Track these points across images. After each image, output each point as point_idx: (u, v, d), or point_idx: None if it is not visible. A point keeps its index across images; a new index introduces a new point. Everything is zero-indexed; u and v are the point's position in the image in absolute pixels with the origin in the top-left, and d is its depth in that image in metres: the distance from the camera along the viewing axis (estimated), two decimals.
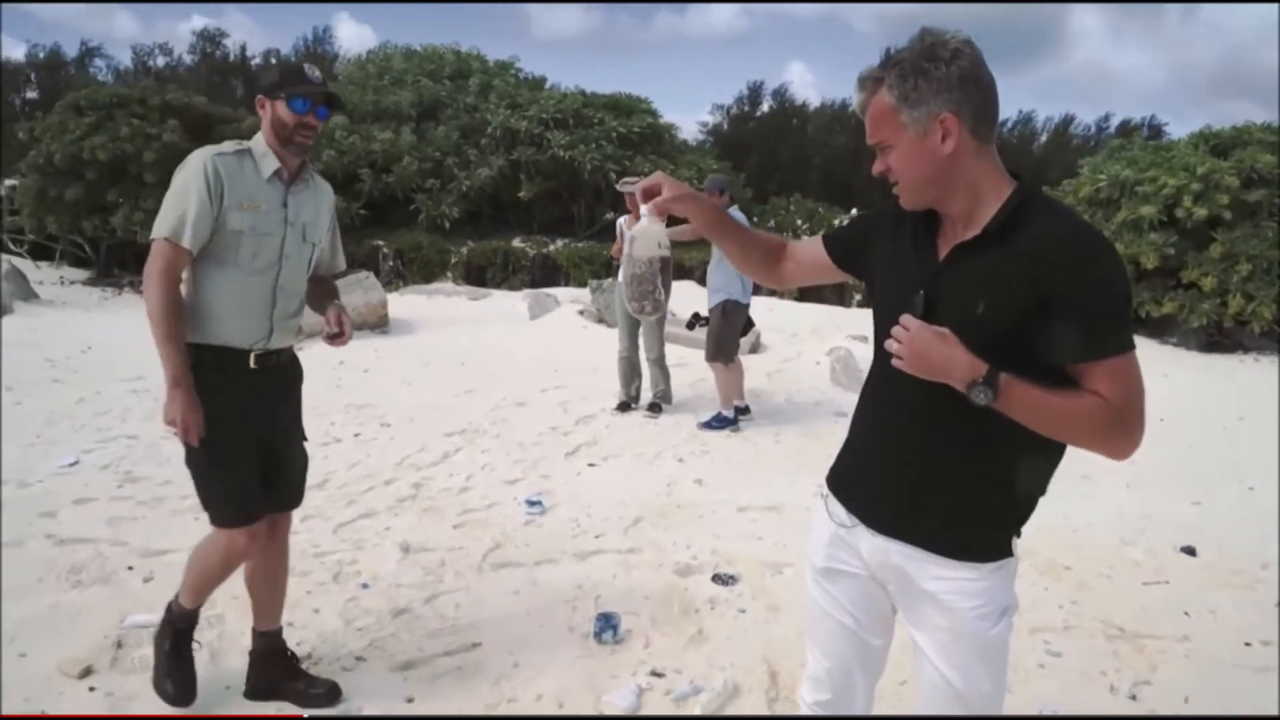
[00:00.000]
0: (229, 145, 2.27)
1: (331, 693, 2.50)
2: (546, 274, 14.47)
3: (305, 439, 2.59)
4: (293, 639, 2.70)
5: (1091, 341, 1.27)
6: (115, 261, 12.85)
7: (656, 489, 4.58)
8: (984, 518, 1.42)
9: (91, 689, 2.50)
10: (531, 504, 4.22)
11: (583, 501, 4.31)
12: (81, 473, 4.50)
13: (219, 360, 2.26)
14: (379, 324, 9.53)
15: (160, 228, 2.15)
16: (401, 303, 11.58)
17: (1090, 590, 3.48)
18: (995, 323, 1.30)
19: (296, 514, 3.86)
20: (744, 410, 6.06)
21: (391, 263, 14.37)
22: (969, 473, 1.39)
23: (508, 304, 11.29)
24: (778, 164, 26.24)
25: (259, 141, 2.28)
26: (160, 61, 26.09)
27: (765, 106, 31.84)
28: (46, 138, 11.35)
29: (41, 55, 23.89)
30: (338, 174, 14.63)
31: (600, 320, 10.11)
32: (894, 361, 1.35)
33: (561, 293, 12.31)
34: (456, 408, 6.33)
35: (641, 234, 1.73)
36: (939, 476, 1.41)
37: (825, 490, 1.63)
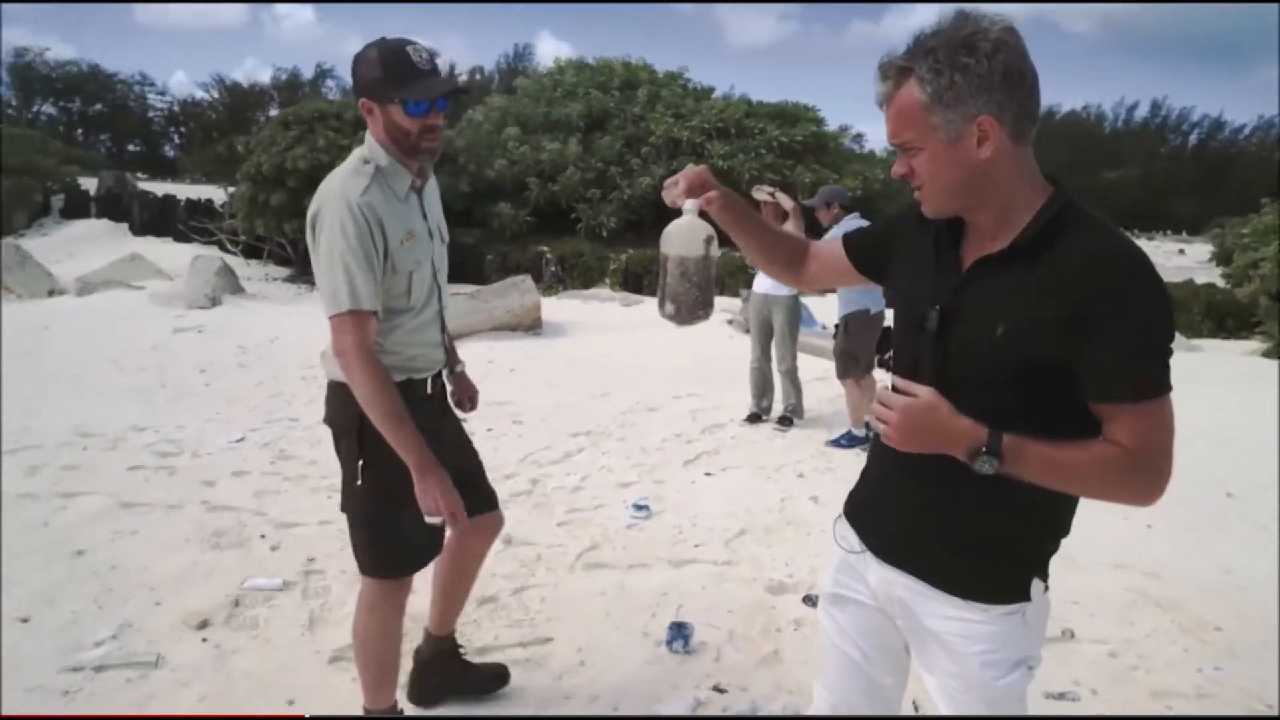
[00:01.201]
0: (359, 171, 1.90)
1: (499, 677, 2.54)
2: None
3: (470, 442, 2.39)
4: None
5: (1119, 381, 1.14)
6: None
7: (769, 503, 4.48)
8: (996, 554, 1.30)
9: (204, 640, 2.77)
10: (638, 508, 4.24)
11: (690, 510, 4.29)
12: (244, 448, 4.98)
13: (406, 395, 1.98)
14: (532, 326, 9.92)
15: (337, 301, 1.82)
16: (557, 306, 12.01)
17: (1241, 659, 3.05)
18: (1015, 349, 1.18)
19: None
20: None
21: (553, 268, 14.93)
22: (981, 503, 1.27)
23: (657, 312, 11.43)
24: None
25: (379, 152, 1.91)
26: None
27: None
28: (258, 150, 12.73)
29: (283, 78, 26.65)
30: (508, 183, 15.40)
31: (747, 330, 10.02)
32: (884, 439, 1.24)
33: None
34: (588, 409, 6.47)
35: (684, 230, 1.43)
36: (948, 506, 1.29)
37: (840, 515, 1.53)
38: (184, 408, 5.94)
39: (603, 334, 10.23)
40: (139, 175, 27.95)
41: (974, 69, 1.12)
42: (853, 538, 1.47)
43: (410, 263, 1.94)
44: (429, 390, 2.11)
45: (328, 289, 1.84)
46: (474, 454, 2.35)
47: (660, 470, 4.98)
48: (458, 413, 2.37)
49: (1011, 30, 1.15)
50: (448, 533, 2.26)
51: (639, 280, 14.59)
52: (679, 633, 2.85)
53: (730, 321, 10.68)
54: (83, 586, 3.11)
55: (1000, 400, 1.20)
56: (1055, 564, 1.37)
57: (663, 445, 5.54)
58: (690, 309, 1.41)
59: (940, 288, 1.28)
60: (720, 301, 12.20)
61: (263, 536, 3.66)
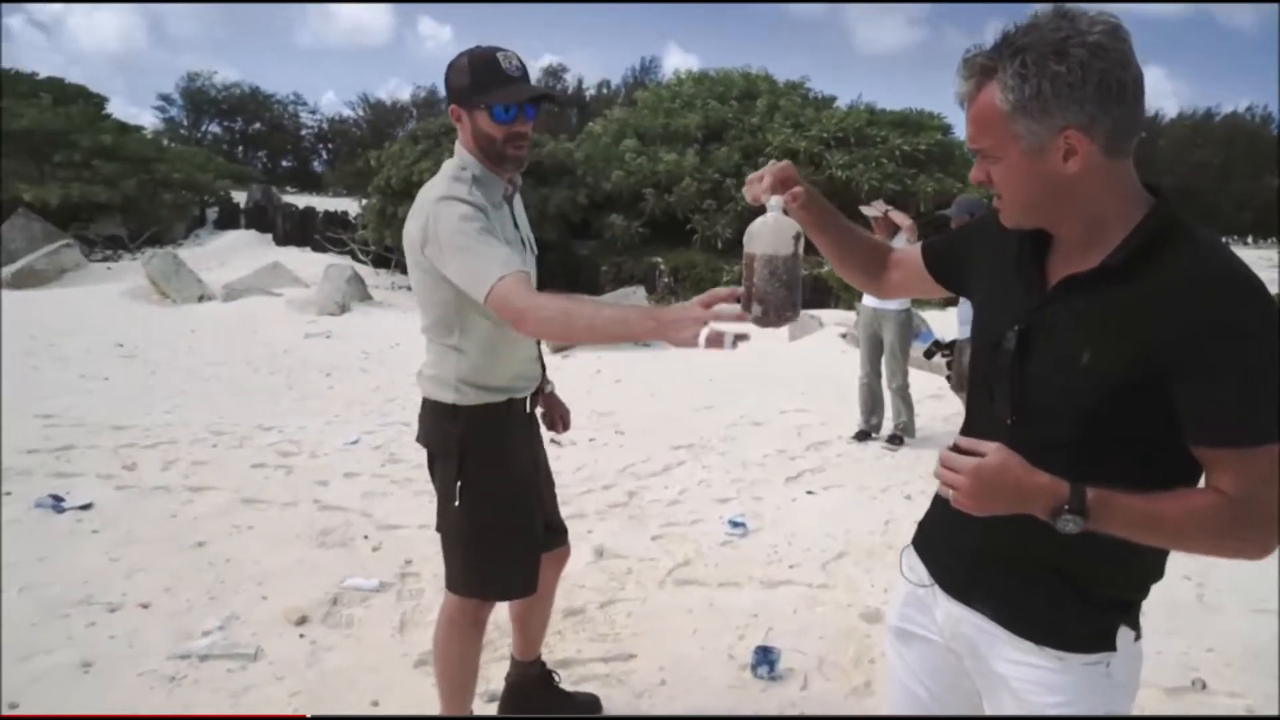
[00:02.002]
0: (459, 177, 1.86)
1: (591, 704, 2.51)
2: (817, 295, 14.22)
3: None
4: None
5: (1224, 424, 1.02)
6: None
7: (871, 525, 4.29)
8: (1076, 596, 1.17)
9: (301, 635, 2.88)
10: (734, 524, 4.15)
11: (788, 529, 4.17)
12: (358, 450, 5.19)
13: (505, 416, 2.00)
14: None
15: (486, 275, 1.67)
16: None
17: None
18: (1102, 380, 1.07)
19: None
20: None
21: (667, 279, 14.97)
22: (1059, 537, 1.12)
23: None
24: None
25: (471, 161, 1.90)
26: None
27: None
28: (388, 164, 13.39)
29: (422, 95, 28.05)
30: (625, 194, 15.56)
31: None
32: (954, 504, 1.12)
33: (827, 314, 12.03)
34: (692, 422, 6.41)
35: (772, 227, 1.28)
36: (1021, 537, 1.15)
37: (908, 545, 1.42)
38: (307, 409, 6.25)
39: None
40: (287, 189, 29.93)
41: (1064, 78, 1.01)
42: (921, 570, 1.37)
43: None
44: (527, 409, 2.07)
45: (470, 275, 1.71)
46: (552, 484, 2.31)
47: (760, 486, 4.87)
48: (555, 438, 2.35)
49: (1114, 33, 1.03)
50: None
51: None
52: (764, 657, 2.75)
53: (844, 335, 10.39)
54: (199, 577, 3.29)
55: (1082, 437, 1.10)
56: (1187, 603, 1.23)
57: (764, 461, 5.42)
58: (779, 310, 1.28)
59: (1020, 306, 1.18)
60: (834, 315, 11.97)
61: (365, 537, 3.79)
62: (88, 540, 3.61)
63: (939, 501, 1.36)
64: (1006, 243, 1.24)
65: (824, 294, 14.29)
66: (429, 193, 1.86)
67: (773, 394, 7.55)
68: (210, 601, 3.10)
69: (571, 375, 8.31)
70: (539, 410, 2.25)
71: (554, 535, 2.27)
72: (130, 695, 2.49)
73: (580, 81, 29.26)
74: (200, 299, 11.49)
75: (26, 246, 14.20)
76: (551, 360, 9.69)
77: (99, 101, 19.60)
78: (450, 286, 1.81)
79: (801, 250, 1.30)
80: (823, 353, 9.93)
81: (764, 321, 1.30)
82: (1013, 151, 1.09)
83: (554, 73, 29.19)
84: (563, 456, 5.26)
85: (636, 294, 10.28)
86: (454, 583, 2.07)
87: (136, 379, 7.07)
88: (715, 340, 1.30)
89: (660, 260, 15.24)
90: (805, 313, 11.81)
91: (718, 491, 4.73)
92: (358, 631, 2.94)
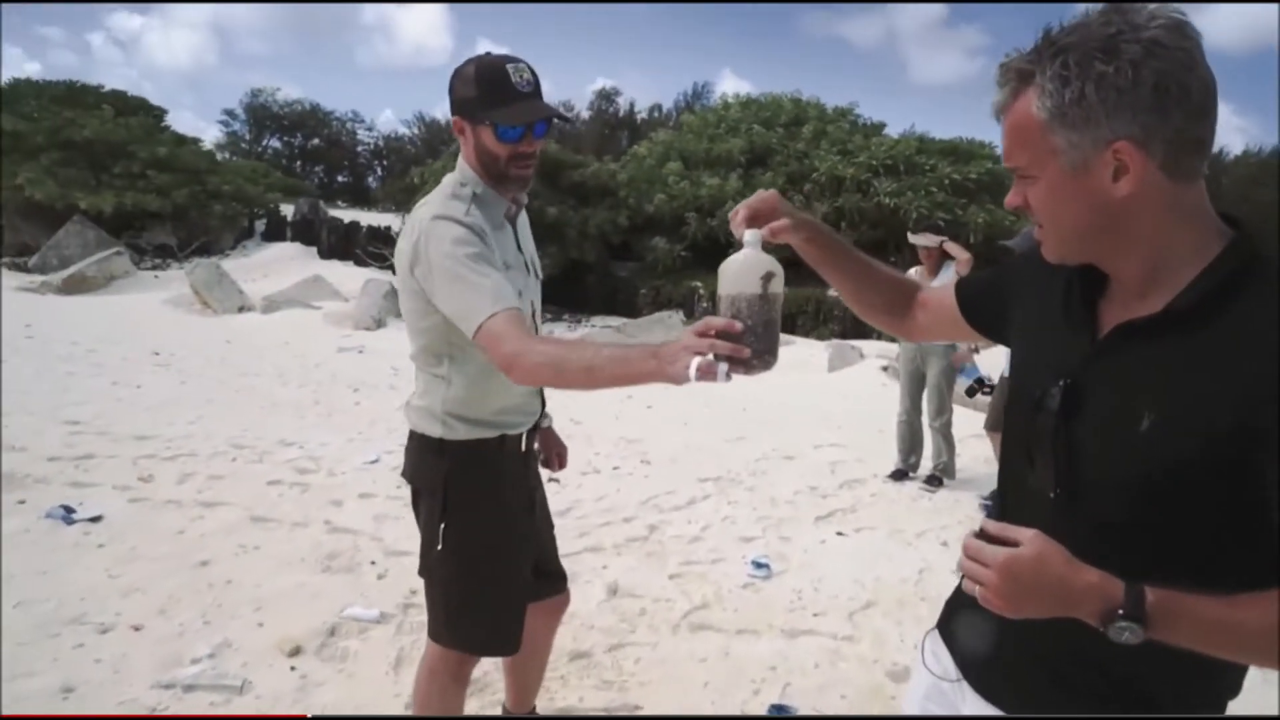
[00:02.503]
0: (458, 194, 1.74)
1: None
2: (858, 325, 13.96)
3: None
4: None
5: None
6: None
7: (904, 573, 4.05)
8: (1137, 711, 0.98)
9: (292, 668, 2.74)
10: (758, 565, 3.95)
11: (815, 573, 3.95)
12: (375, 470, 5.09)
13: (497, 453, 1.85)
14: None
15: (478, 309, 1.54)
16: None
17: None
18: (1167, 449, 0.88)
19: None
20: None
21: (705, 304, 14.82)
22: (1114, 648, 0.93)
23: (808, 353, 11.03)
24: None
25: (473, 177, 1.76)
26: None
27: None
28: (430, 180, 13.47)
29: None
30: (667, 217, 15.49)
31: None
32: (982, 603, 0.94)
33: (868, 346, 11.77)
34: (721, 453, 6.22)
35: (737, 264, 1.19)
36: (1074, 639, 0.96)
37: (932, 628, 1.25)
38: (331, 425, 6.19)
39: None
40: (338, 203, 30.45)
41: (1112, 80, 0.85)
42: (946, 659, 1.19)
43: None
44: (522, 447, 1.91)
45: (460, 307, 1.57)
46: (550, 527, 2.15)
47: (788, 525, 4.65)
48: (548, 474, 2.19)
49: (1178, 29, 0.85)
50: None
51: (792, 320, 14.21)
52: (780, 712, 2.55)
53: (885, 368, 10.12)
54: (197, 599, 3.19)
55: (1142, 520, 0.92)
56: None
57: (794, 498, 5.19)
58: (748, 358, 1.17)
59: (1068, 358, 1.00)
60: (875, 346, 11.70)
61: (373, 563, 3.66)
62: (92, 554, 3.53)
63: None
64: (1054, 283, 1.07)
65: (865, 324, 14.01)
66: (424, 209, 1.72)
67: (808, 427, 7.33)
68: (204, 626, 2.98)
69: (601, 400, 8.16)
70: (536, 447, 2.09)
71: (551, 582, 2.11)
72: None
73: (632, 105, 29.41)
74: (240, 309, 11.62)
75: (80, 253, 14.55)
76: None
77: (159, 114, 20.14)
78: (439, 312, 1.66)
79: (775, 290, 1.19)
80: (862, 385, 9.67)
81: (731, 368, 1.19)
82: (1052, 169, 0.92)
83: (606, 95, 29.39)
84: (584, 485, 5.11)
85: (673, 318, 10.13)
86: (434, 631, 1.91)
87: (167, 388, 7.09)
88: (707, 371, 1.19)
89: (700, 285, 15.11)
90: (846, 343, 11.55)
91: (743, 529, 4.53)
92: (351, 666, 2.79)
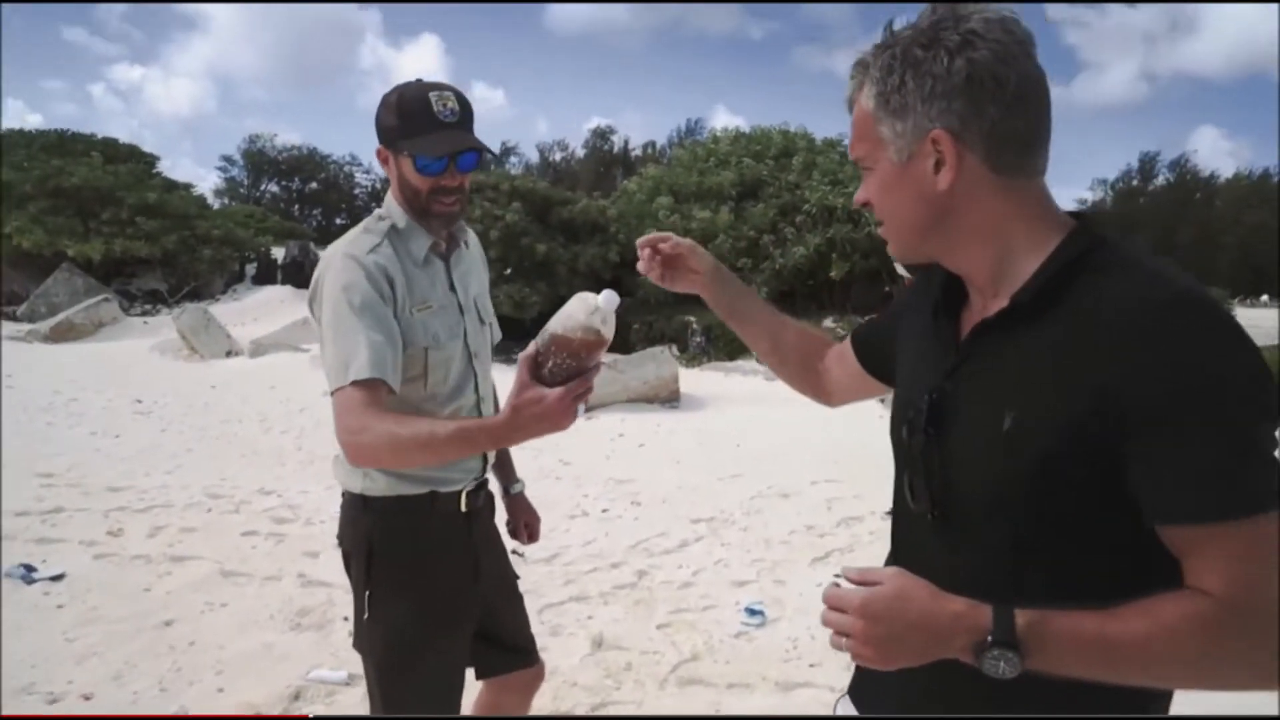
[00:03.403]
0: (371, 229, 1.64)
1: None
2: None
3: (517, 578, 2.00)
4: None
5: (1187, 490, 0.77)
6: None
7: None
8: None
9: None
10: (751, 612, 3.77)
11: (811, 619, 3.76)
12: None
13: (426, 511, 1.67)
14: (669, 398, 9.64)
15: (343, 371, 1.46)
16: (698, 378, 11.71)
17: None
18: (1032, 444, 0.83)
19: None
20: None
21: (699, 338, 14.70)
22: (1035, 683, 0.82)
23: None
24: (1174, 244, 23.00)
25: (396, 210, 1.66)
26: (558, 156, 29.80)
27: (1160, 180, 28.28)
28: None
29: None
30: None
31: None
32: (853, 657, 0.88)
33: None
34: (715, 492, 6.05)
35: (568, 307, 1.21)
36: (986, 689, 0.83)
37: (843, 693, 1.14)
38: (312, 472, 6.01)
39: (742, 408, 9.79)
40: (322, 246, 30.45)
41: (928, 67, 0.85)
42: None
43: (425, 337, 1.62)
44: (462, 507, 1.72)
45: (328, 362, 1.49)
46: (515, 598, 1.96)
47: (783, 568, 4.47)
48: (511, 543, 2.03)
49: (1000, 24, 0.85)
50: (479, 687, 1.94)
51: None
52: None
53: (883, 400, 9.98)
54: (156, 663, 3.01)
55: (1022, 532, 0.86)
56: None
57: (790, 538, 5.02)
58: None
59: (935, 370, 0.96)
60: None
61: (345, 618, 3.47)
62: (50, 616, 3.36)
63: None
64: (926, 300, 1.03)
65: None
66: (337, 243, 1.63)
67: (804, 462, 7.16)
68: (160, 694, 2.81)
69: (592, 439, 8.01)
70: (503, 515, 1.96)
71: (516, 656, 1.93)
72: None
73: (626, 142, 29.56)
74: (228, 354, 11.48)
75: (69, 301, 14.46)
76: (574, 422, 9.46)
77: (150, 160, 20.22)
78: None
79: (604, 338, 1.20)
80: (859, 418, 9.46)
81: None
82: (883, 160, 0.92)
83: (602, 134, 29.58)
84: (572, 530, 4.94)
85: (664, 353, 10.00)
86: (376, 708, 1.75)
87: (147, 437, 6.92)
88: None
89: (693, 319, 15.00)
90: None
91: (736, 573, 4.35)
92: None
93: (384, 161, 1.64)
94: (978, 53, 0.84)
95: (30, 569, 3.74)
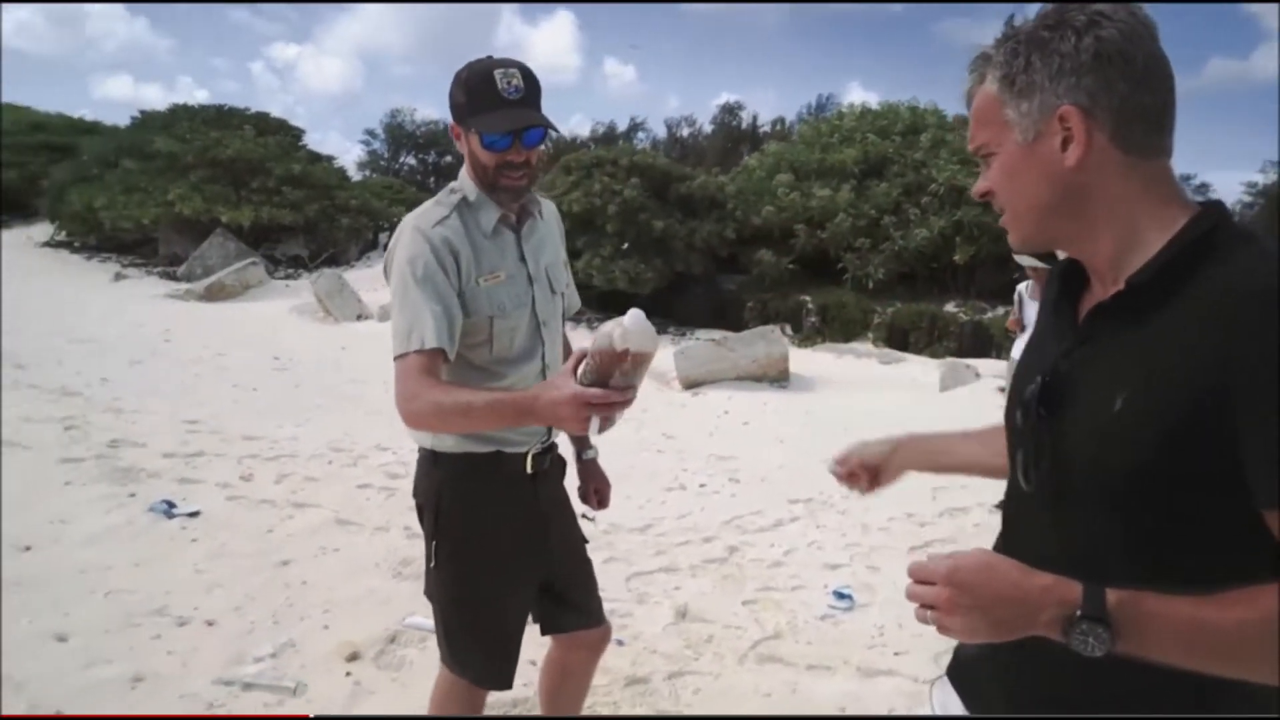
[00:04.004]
0: (442, 201, 1.72)
1: None
2: (976, 344, 13.23)
3: (586, 541, 2.05)
4: (519, 679, 2.66)
5: None
6: (581, 299, 14.95)
7: None
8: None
9: (348, 674, 2.75)
10: (840, 596, 3.73)
11: (902, 608, 3.65)
12: None
13: (492, 470, 1.75)
14: (778, 378, 9.55)
15: (401, 340, 1.58)
16: (810, 358, 11.53)
17: None
18: (1142, 430, 0.83)
19: (598, 555, 4.00)
20: None
21: (813, 318, 14.43)
22: (1139, 668, 0.82)
23: (919, 371, 10.56)
24: None
25: (468, 183, 1.72)
26: (685, 132, 29.57)
27: None
28: (541, 190, 13.67)
29: (600, 130, 29.22)
30: (775, 229, 15.20)
31: None
32: (939, 630, 0.89)
33: (985, 365, 11.12)
34: (815, 474, 5.94)
35: (647, 326, 1.33)
36: (1090, 671, 0.84)
37: (941, 675, 1.15)
38: None
39: (853, 391, 9.59)
40: None
41: (1055, 46, 0.88)
42: (956, 706, 1.10)
43: (490, 306, 1.69)
44: (528, 468, 1.78)
45: (393, 329, 1.61)
46: (583, 562, 2.01)
47: (878, 554, 4.39)
48: (583, 509, 2.09)
49: (1125, 8, 0.88)
50: (549, 645, 2.02)
51: (904, 336, 13.65)
52: None
53: (1001, 389, 9.54)
54: (273, 598, 3.26)
55: (1130, 513, 0.86)
56: None
57: (889, 525, 4.91)
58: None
59: (1051, 353, 0.97)
60: (994, 365, 11.05)
61: None
62: (185, 549, 3.69)
63: None
64: (1050, 292, 1.05)
65: (984, 342, 13.30)
66: (410, 215, 1.73)
67: None
68: (273, 625, 3.04)
69: (697, 414, 8.05)
70: (575, 482, 2.04)
71: (581, 614, 1.99)
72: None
73: (755, 118, 28.93)
74: (358, 318, 12.12)
75: (221, 263, 15.59)
76: (679, 398, 9.52)
77: (296, 134, 21.40)
78: None
79: (609, 351, 1.32)
80: (976, 406, 9.11)
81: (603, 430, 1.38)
82: (1008, 143, 0.93)
83: (730, 110, 29.07)
84: (668, 502, 5.01)
85: (774, 333, 9.89)
86: (442, 653, 1.85)
87: (281, 392, 7.44)
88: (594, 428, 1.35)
89: (808, 299, 14.74)
90: (961, 362, 10.99)
91: (829, 555, 4.30)
92: (405, 676, 2.78)
93: (456, 137, 1.71)
94: (1105, 31, 0.86)
95: (171, 505, 4.11)
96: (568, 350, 2.07)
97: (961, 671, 1.11)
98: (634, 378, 1.34)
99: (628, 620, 3.33)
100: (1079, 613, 0.80)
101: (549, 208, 1.92)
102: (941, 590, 0.86)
